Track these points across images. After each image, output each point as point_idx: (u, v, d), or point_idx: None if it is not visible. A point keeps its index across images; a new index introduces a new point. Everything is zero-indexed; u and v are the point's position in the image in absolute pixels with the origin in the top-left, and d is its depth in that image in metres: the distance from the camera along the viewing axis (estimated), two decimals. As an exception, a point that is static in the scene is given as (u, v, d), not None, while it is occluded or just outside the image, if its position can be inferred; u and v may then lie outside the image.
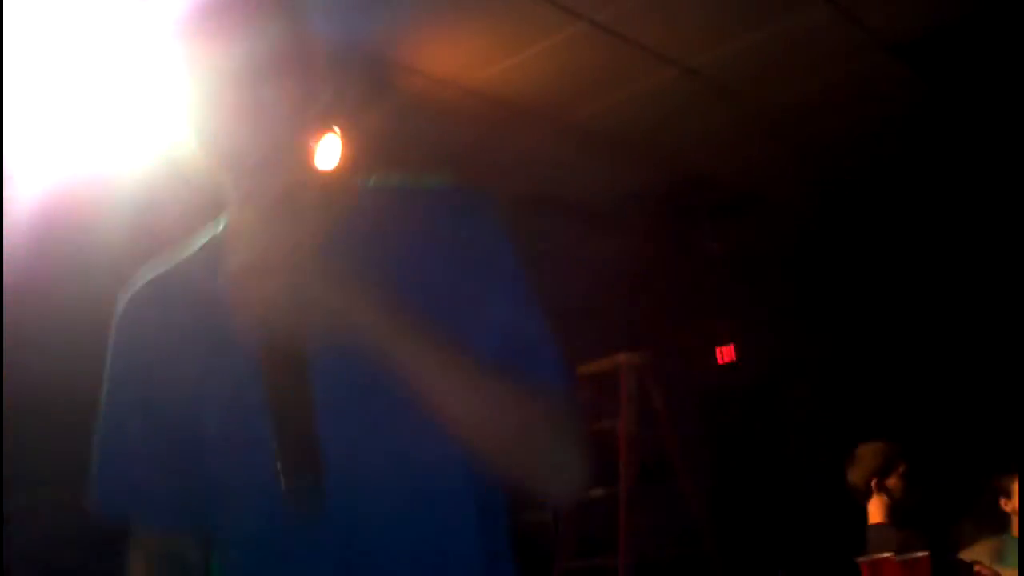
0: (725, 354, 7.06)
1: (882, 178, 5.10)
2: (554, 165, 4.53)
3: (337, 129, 3.45)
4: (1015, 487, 3.54)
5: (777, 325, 6.46)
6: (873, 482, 3.50)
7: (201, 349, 1.07)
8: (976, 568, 3.36)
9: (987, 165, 5.03)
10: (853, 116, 4.39)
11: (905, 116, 4.45)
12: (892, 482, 3.47)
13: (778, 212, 5.38)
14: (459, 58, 3.51)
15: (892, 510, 3.44)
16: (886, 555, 2.86)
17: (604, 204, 5.00)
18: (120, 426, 1.13)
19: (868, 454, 3.57)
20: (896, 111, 4.37)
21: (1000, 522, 3.64)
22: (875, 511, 3.50)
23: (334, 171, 3.27)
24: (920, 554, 2.81)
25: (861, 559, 2.97)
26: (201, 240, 1.16)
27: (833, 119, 4.41)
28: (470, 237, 1.10)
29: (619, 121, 4.14)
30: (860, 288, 6.29)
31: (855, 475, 3.61)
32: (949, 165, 5.04)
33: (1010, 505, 3.52)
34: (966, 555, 3.54)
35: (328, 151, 3.46)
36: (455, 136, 4.10)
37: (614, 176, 4.74)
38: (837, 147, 4.71)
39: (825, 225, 5.75)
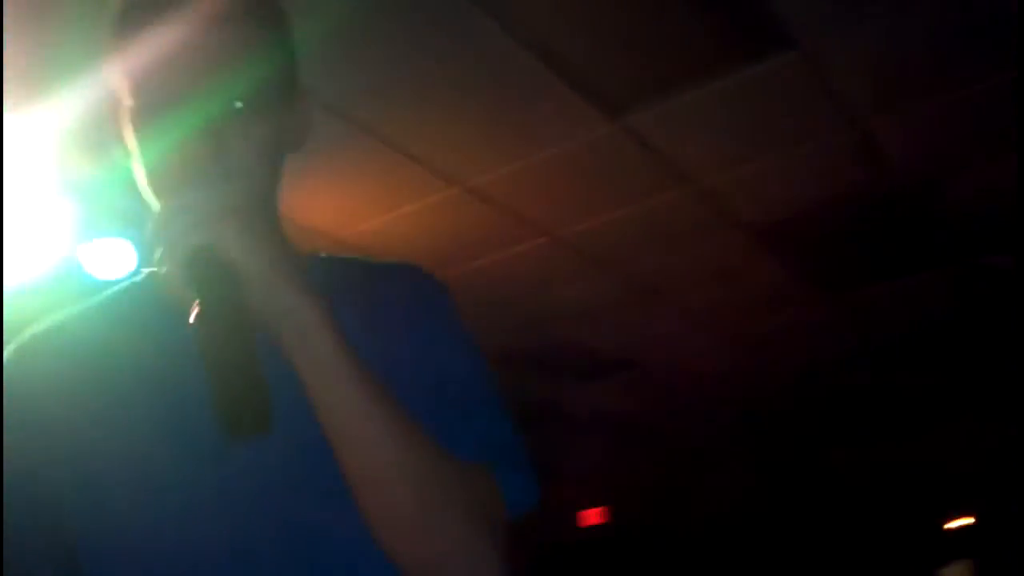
0: (590, 516, 7.03)
1: (746, 344, 5.26)
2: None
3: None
4: None
5: (645, 489, 6.48)
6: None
7: (101, 398, 0.94)
8: None
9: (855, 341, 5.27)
10: (716, 289, 4.55)
11: (768, 292, 4.64)
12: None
13: (647, 377, 5.48)
14: (333, 212, 3.52)
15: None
16: None
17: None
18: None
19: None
20: (758, 285, 4.56)
21: None
22: None
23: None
24: None
25: None
26: (117, 289, 1.05)
27: (698, 290, 4.57)
28: (412, 299, 1.04)
29: (489, 282, 4.19)
30: (728, 453, 6.40)
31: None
32: (813, 337, 5.24)
33: None
34: None
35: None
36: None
37: (482, 337, 4.75)
38: (703, 316, 4.87)
39: (694, 389, 5.87)
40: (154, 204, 0.93)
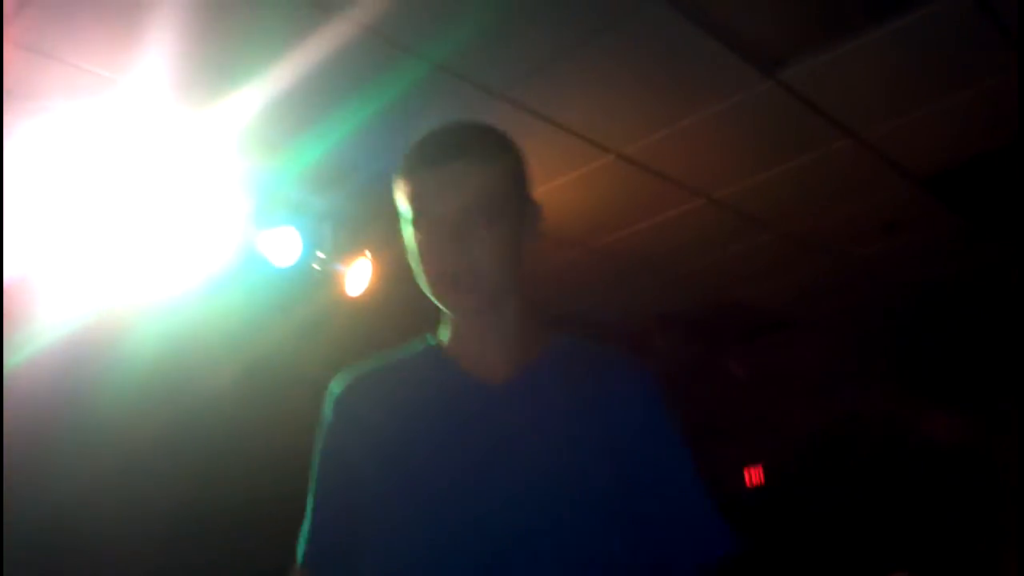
0: (753, 476, 6.96)
1: (910, 302, 5.11)
2: (583, 288, 4.58)
3: (368, 255, 3.52)
4: None
5: (805, 447, 6.38)
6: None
7: (395, 439, 1.27)
8: None
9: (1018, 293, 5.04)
10: (880, 243, 4.42)
11: (933, 243, 4.48)
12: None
13: (805, 335, 5.39)
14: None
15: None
16: None
17: (631, 326, 5.03)
18: (315, 494, 1.32)
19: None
20: (923, 239, 4.41)
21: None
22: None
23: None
24: None
25: None
26: (413, 348, 1.37)
27: (859, 246, 4.45)
28: (634, 391, 1.32)
29: (647, 246, 4.20)
30: (885, 413, 6.23)
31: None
32: (981, 292, 5.04)
33: None
34: None
35: (361, 274, 3.53)
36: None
37: (641, 299, 4.79)
38: (864, 273, 4.74)
39: (851, 349, 5.74)
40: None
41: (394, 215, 1.35)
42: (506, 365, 1.29)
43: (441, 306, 1.29)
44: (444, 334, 1.34)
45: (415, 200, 1.25)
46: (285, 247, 3.37)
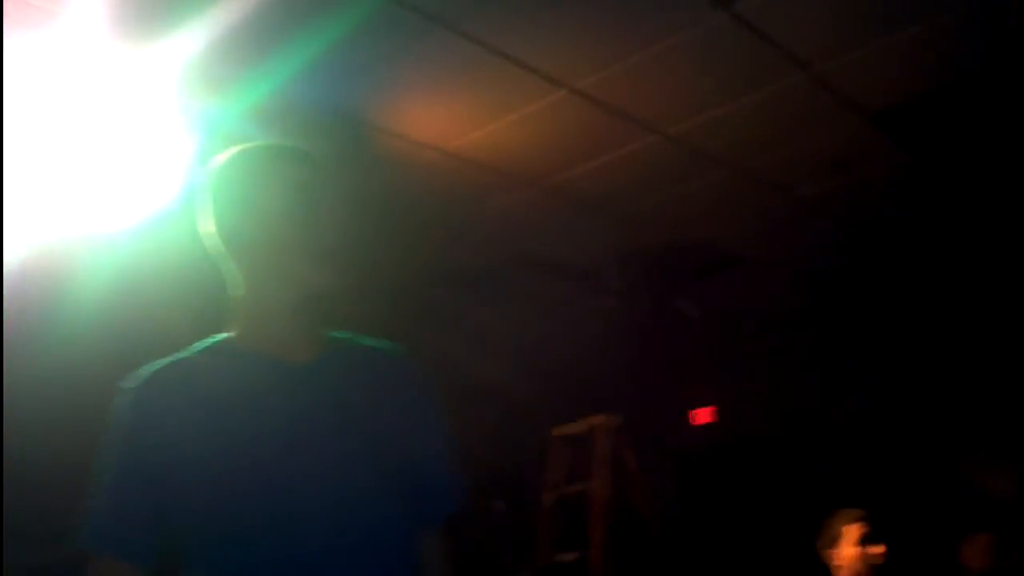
0: (701, 416, 7.06)
1: (862, 240, 5.16)
2: (535, 227, 4.57)
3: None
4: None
5: (756, 387, 6.48)
6: (839, 548, 3.51)
7: (200, 425, 1.39)
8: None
9: (967, 229, 5.12)
10: (832, 180, 4.45)
11: (884, 179, 4.52)
12: (858, 549, 3.49)
13: (758, 273, 5.44)
14: (441, 123, 3.55)
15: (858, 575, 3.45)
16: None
17: (584, 265, 5.04)
18: (114, 478, 1.40)
19: (836, 521, 3.59)
20: (874, 175, 4.44)
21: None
22: (844, 576, 3.50)
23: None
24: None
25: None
26: (207, 343, 1.50)
27: (812, 183, 4.47)
28: (409, 395, 1.57)
29: (600, 185, 4.18)
30: (841, 350, 6.34)
31: (823, 542, 3.62)
32: (930, 228, 5.11)
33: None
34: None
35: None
36: (438, 197, 4.14)
37: (595, 238, 4.78)
38: (817, 210, 4.78)
39: (805, 286, 5.81)
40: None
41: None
42: (305, 352, 1.47)
43: (262, 297, 1.47)
44: (236, 328, 1.50)
45: (262, 193, 1.44)
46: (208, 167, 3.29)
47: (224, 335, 1.51)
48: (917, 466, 5.86)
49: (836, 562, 3.59)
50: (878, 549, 3.52)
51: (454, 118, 3.53)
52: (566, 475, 5.15)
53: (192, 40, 2.78)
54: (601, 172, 4.05)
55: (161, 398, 1.41)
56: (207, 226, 1.51)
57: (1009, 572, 3.65)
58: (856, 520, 3.61)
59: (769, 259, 5.30)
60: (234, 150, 1.52)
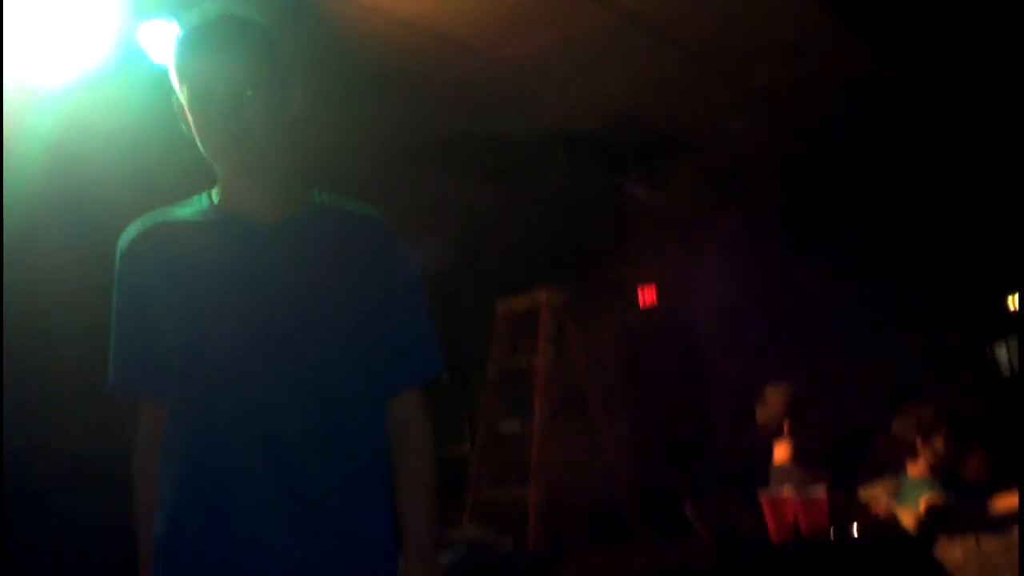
0: (647, 295, 7.17)
1: (812, 124, 5.18)
2: (483, 100, 4.51)
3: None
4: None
5: (700, 268, 6.58)
6: (777, 422, 3.60)
7: (175, 282, 1.50)
8: (872, 506, 3.50)
9: (925, 118, 5.16)
10: (785, 64, 4.43)
11: (841, 68, 4.51)
12: (798, 424, 3.58)
13: (705, 156, 5.46)
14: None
15: (797, 450, 3.56)
16: (785, 490, 2.97)
17: (534, 143, 5.01)
18: (118, 328, 1.56)
19: (776, 396, 3.67)
20: (831, 63, 4.44)
21: (901, 462, 3.79)
22: (781, 451, 3.62)
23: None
24: (818, 492, 2.92)
25: (763, 494, 3.08)
26: (193, 203, 1.59)
27: (765, 66, 4.45)
28: (385, 264, 1.60)
29: (551, 60, 4.13)
30: (786, 232, 6.43)
31: (763, 416, 3.71)
32: (887, 118, 5.15)
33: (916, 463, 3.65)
34: (865, 494, 3.71)
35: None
36: (385, 65, 4.05)
37: (544, 115, 4.74)
38: (768, 93, 4.77)
39: (752, 170, 5.85)
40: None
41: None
42: (273, 214, 1.53)
43: (218, 166, 1.54)
44: (217, 192, 1.59)
45: (191, 80, 1.48)
46: (166, 42, 3.19)
47: (208, 192, 1.60)
48: (854, 339, 6.04)
49: (770, 437, 3.68)
50: (811, 424, 3.62)
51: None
52: (510, 349, 5.22)
53: None
54: (550, 47, 3.99)
55: (144, 255, 1.53)
56: None
57: (942, 448, 3.73)
58: (791, 394, 3.68)
59: (719, 145, 5.31)
60: (179, 28, 1.55)
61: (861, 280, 6.15)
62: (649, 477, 5.86)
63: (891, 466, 3.90)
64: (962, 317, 6.06)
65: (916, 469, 3.68)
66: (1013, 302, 6.08)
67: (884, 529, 3.13)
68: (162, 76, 1.55)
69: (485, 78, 4.25)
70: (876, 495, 3.68)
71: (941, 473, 3.61)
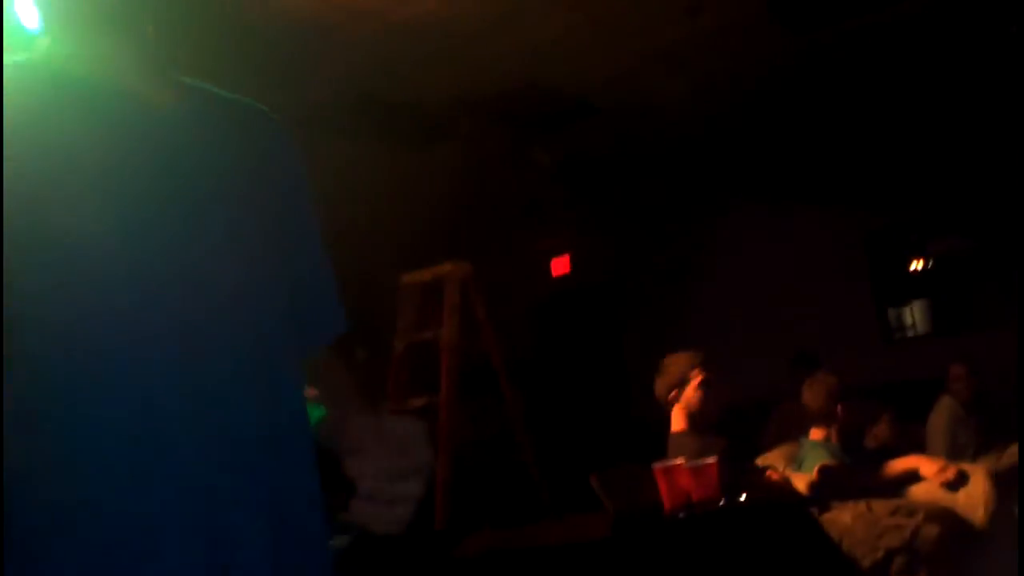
0: (558, 265, 7.14)
1: (717, 85, 5.16)
2: (382, 66, 4.39)
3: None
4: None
5: (609, 236, 6.56)
6: (674, 392, 3.57)
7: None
8: (768, 473, 3.50)
9: (824, 79, 5.17)
10: (685, 27, 4.39)
11: (740, 26, 4.48)
12: (690, 391, 3.56)
13: (609, 122, 5.40)
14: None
15: (691, 418, 3.53)
16: (676, 461, 2.94)
17: (433, 110, 4.90)
18: None
19: (671, 364, 3.64)
20: (731, 21, 4.40)
21: (800, 427, 3.80)
22: (677, 420, 3.59)
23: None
24: (707, 460, 2.90)
25: (655, 465, 3.04)
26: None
27: (668, 29, 4.40)
28: (273, 171, 1.18)
29: (451, 23, 4.02)
30: (690, 196, 6.44)
31: (659, 385, 3.68)
32: (785, 76, 5.15)
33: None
34: (762, 460, 3.70)
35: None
36: (281, 34, 3.91)
37: (445, 80, 4.64)
38: (673, 57, 4.73)
39: (656, 134, 5.82)
40: None
41: None
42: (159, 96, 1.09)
43: None
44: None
45: None
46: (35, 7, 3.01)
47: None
48: (756, 306, 6.09)
49: (668, 405, 3.66)
50: (708, 392, 3.60)
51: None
52: (415, 322, 5.13)
53: None
54: (451, 9, 3.88)
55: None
56: None
57: (848, 414, 3.75)
58: (689, 362, 3.65)
59: (624, 108, 5.26)
60: None
61: (765, 244, 6.20)
62: (559, 449, 5.85)
63: (792, 434, 3.91)
64: (865, 279, 6.14)
65: (817, 434, 3.69)
66: (916, 264, 6.19)
67: (775, 495, 3.12)
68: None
69: (383, 43, 4.13)
70: (773, 461, 3.68)
71: (846, 439, 3.63)
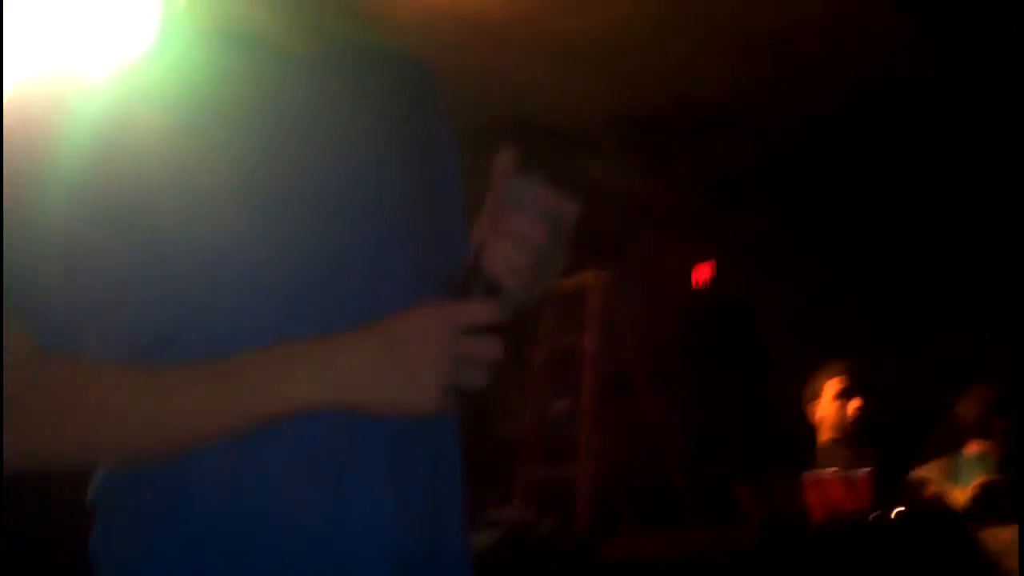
0: (700, 274, 7.11)
1: (858, 99, 5.07)
2: (526, 86, 4.49)
3: None
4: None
5: (752, 246, 6.50)
6: (816, 402, 3.55)
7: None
8: (923, 487, 3.43)
9: (963, 89, 5.02)
10: (830, 39, 4.34)
11: (884, 38, 4.41)
12: (829, 401, 3.53)
13: (753, 133, 5.37)
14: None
15: (835, 429, 3.50)
16: (828, 471, 2.93)
17: (577, 125, 4.98)
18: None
19: (819, 375, 3.62)
20: (872, 35, 4.33)
21: (956, 441, 3.70)
22: (823, 430, 3.57)
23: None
24: (861, 471, 2.87)
25: (806, 475, 3.03)
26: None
27: (811, 42, 4.37)
28: (422, 110, 1.20)
29: (592, 40, 4.09)
30: (837, 209, 6.31)
31: (807, 396, 3.66)
32: (928, 89, 5.01)
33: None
34: (917, 474, 3.63)
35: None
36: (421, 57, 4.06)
37: (588, 96, 4.71)
38: (814, 69, 4.68)
39: (800, 146, 5.74)
40: None
41: None
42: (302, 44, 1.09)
43: None
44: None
45: None
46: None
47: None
48: (909, 322, 5.93)
49: (817, 417, 3.64)
50: (854, 403, 3.56)
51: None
52: (557, 330, 5.22)
53: None
54: (593, 26, 3.96)
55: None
56: None
57: (1006, 429, 3.61)
58: (837, 374, 3.62)
59: (764, 118, 5.22)
60: None
61: (902, 260, 6.03)
62: (701, 458, 5.82)
63: (949, 447, 3.81)
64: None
65: (975, 448, 3.59)
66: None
67: (930, 510, 3.06)
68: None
69: (523, 64, 4.24)
70: (928, 476, 3.60)
71: (1007, 455, 3.52)
